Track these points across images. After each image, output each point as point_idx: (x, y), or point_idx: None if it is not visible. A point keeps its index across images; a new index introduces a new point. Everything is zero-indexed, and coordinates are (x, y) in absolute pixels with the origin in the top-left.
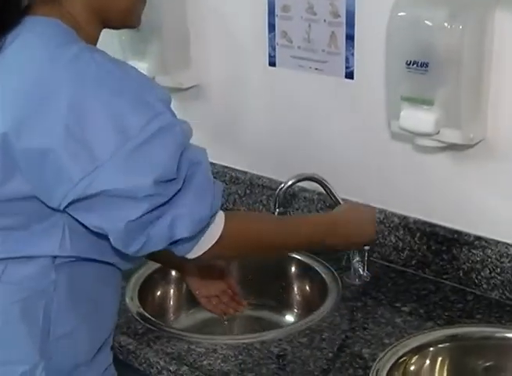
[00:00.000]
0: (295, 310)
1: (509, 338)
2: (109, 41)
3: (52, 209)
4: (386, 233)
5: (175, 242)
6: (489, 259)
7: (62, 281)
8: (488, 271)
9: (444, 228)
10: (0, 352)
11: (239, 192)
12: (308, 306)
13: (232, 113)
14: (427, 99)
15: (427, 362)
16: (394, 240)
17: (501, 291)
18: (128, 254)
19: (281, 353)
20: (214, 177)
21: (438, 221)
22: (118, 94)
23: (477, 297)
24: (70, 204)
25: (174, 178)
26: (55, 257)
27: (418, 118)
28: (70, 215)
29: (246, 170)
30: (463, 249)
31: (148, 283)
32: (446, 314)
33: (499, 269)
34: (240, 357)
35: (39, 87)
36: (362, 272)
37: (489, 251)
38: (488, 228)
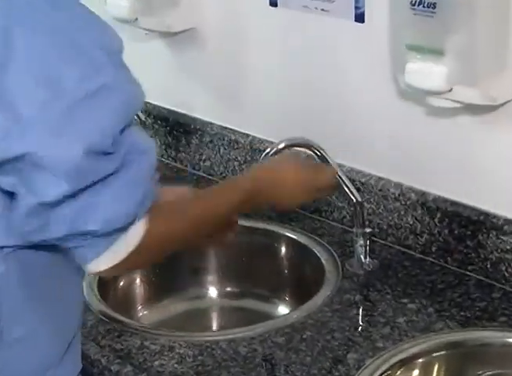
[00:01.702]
0: (287, 299)
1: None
2: None
3: None
4: (402, 213)
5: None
6: None
7: (12, 274)
8: None
9: (468, 208)
10: None
11: (239, 158)
12: (304, 297)
13: (231, 62)
14: (436, 49)
15: (416, 373)
16: (411, 222)
17: None
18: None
19: (249, 355)
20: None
21: (461, 199)
22: (49, 34)
23: (506, 294)
24: None
25: (108, 153)
26: (1, 247)
27: (426, 72)
28: None
29: (247, 132)
30: (491, 235)
31: None
32: (462, 314)
33: None
34: (200, 358)
35: None
36: (363, 260)
37: None
38: None
